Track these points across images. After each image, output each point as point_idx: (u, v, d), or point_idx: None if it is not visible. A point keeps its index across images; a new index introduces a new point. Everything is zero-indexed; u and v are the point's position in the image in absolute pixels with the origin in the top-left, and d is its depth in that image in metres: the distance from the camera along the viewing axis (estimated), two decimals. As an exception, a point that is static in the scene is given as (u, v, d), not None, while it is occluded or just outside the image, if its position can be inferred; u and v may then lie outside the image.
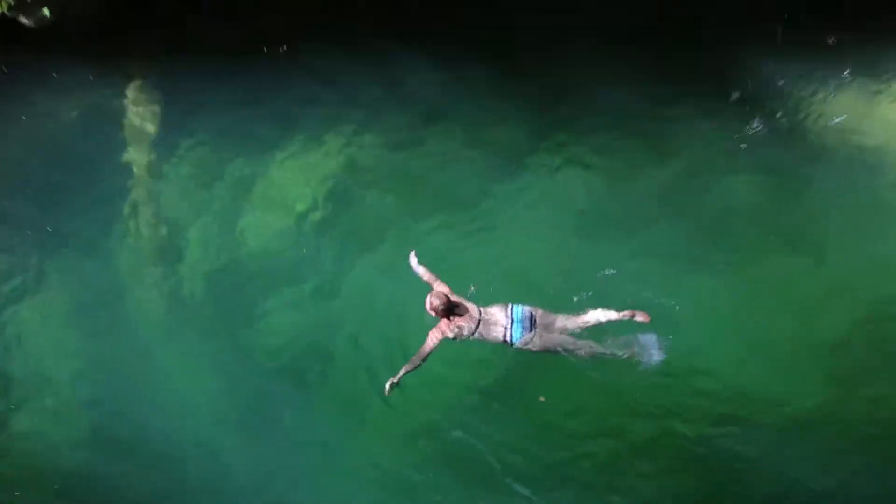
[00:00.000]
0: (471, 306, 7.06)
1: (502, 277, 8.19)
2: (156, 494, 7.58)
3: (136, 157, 9.80)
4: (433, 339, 6.91)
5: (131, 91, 10.28)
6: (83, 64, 10.16)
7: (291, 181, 9.47)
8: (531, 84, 10.16)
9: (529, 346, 7.04)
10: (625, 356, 7.21)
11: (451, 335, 6.94)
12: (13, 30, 9.85)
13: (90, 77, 10.22)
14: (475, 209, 8.99)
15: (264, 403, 7.96)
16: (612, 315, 7.07)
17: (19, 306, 8.60)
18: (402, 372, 6.87)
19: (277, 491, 7.51)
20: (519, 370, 7.71)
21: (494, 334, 7.03)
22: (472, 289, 7.61)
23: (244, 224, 9.18)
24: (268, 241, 8.97)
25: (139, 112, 10.15)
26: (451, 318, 6.97)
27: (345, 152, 9.73)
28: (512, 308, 7.08)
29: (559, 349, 7.10)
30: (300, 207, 9.23)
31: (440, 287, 7.08)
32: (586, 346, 7.17)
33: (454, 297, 7.01)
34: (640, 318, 7.12)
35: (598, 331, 7.18)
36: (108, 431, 7.93)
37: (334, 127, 9.95)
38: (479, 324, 7.00)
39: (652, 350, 7.34)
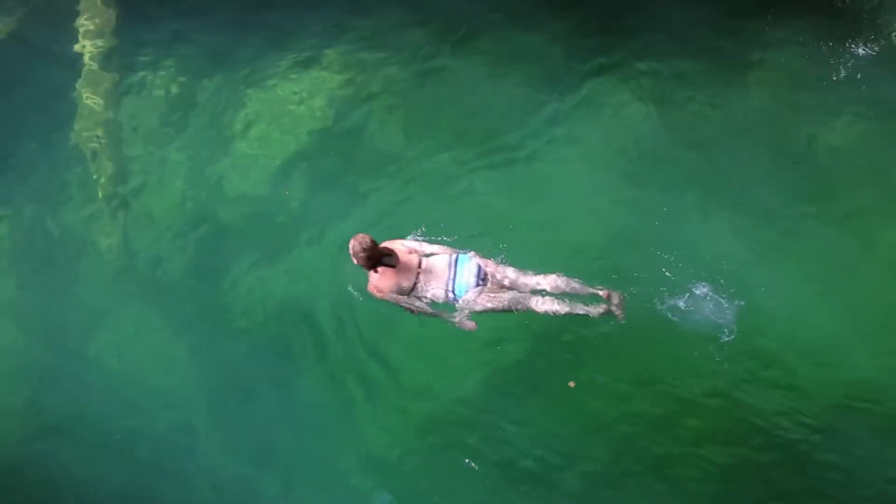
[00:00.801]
0: (412, 258, 6.50)
1: (529, 231, 7.34)
2: (113, 483, 6.82)
3: (87, 76, 9.02)
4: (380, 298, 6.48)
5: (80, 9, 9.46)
6: None
7: (280, 108, 8.67)
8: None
9: (475, 307, 6.47)
10: (596, 314, 6.55)
11: (388, 295, 6.41)
12: None
13: None
14: (501, 143, 8.08)
15: (240, 379, 7.18)
16: (576, 286, 6.56)
17: None
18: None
19: (253, 478, 6.83)
20: (544, 348, 6.90)
21: (434, 291, 6.47)
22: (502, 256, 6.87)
23: (219, 163, 8.35)
24: (248, 186, 8.12)
25: (90, 18, 9.34)
26: (380, 269, 6.42)
27: (347, 73, 8.90)
28: (457, 258, 6.54)
29: (512, 308, 6.55)
30: (289, 142, 8.42)
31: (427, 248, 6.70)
32: (546, 304, 6.56)
33: (391, 245, 6.52)
34: (612, 305, 6.52)
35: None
36: (54, 413, 7.16)
37: (335, 43, 9.14)
38: (417, 277, 6.44)
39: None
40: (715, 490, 6.38)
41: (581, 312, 6.52)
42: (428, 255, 6.56)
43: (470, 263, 6.47)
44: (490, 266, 6.51)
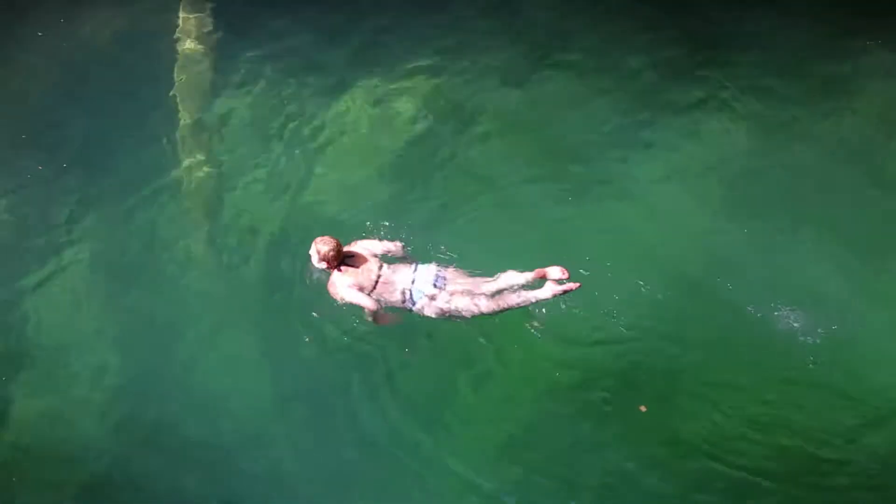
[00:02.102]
0: (373, 260, 6.73)
1: (616, 252, 7.38)
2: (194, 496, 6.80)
3: (182, 87, 9.20)
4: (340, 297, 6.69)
5: (179, 9, 9.77)
6: None
7: (367, 121, 8.80)
8: (675, 13, 9.47)
9: (429, 311, 6.64)
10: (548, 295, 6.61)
11: (349, 293, 6.59)
12: None
13: None
14: (590, 164, 8.20)
15: (323, 394, 7.17)
16: (529, 276, 6.64)
17: (44, 269, 7.90)
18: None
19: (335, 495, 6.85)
20: (614, 370, 6.94)
21: (393, 297, 6.66)
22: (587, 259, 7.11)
23: (307, 173, 8.43)
24: (335, 196, 8.22)
25: (188, 34, 9.58)
26: (342, 269, 6.67)
27: (435, 88, 9.05)
28: (417, 266, 6.72)
29: (465, 314, 6.67)
30: (375, 154, 8.54)
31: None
32: (498, 302, 6.67)
33: (353, 248, 6.79)
34: (556, 274, 6.56)
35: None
36: (138, 421, 7.12)
37: (424, 57, 9.32)
38: (377, 281, 6.67)
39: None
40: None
41: (537, 299, 6.61)
42: (381, 254, 6.83)
43: (428, 270, 6.65)
44: (448, 272, 6.68)
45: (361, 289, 6.65)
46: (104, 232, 8.15)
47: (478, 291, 6.70)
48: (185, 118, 8.91)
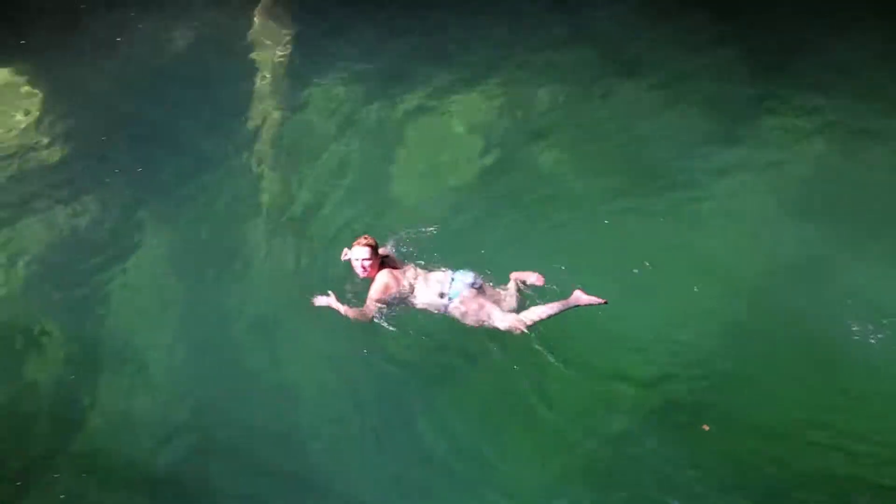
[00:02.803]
0: (405, 263, 7.12)
1: (690, 268, 7.37)
2: (256, 490, 6.88)
3: (262, 90, 9.51)
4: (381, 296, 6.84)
5: (258, 12, 10.12)
6: None
7: (444, 129, 8.98)
8: (755, 34, 9.54)
9: (462, 310, 6.75)
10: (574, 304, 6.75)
11: (388, 295, 6.83)
12: None
13: None
14: (666, 181, 8.15)
15: (391, 398, 7.17)
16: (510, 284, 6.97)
17: (126, 264, 8.12)
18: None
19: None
20: (683, 392, 6.84)
21: (430, 294, 6.86)
22: (646, 264, 7.23)
23: (384, 179, 8.60)
24: (413, 203, 8.33)
25: (267, 37, 9.88)
26: (385, 270, 6.91)
27: (513, 99, 9.19)
28: (454, 272, 6.91)
29: (497, 324, 6.76)
30: (452, 162, 8.67)
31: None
32: (529, 318, 6.78)
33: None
34: (532, 279, 6.93)
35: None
36: (207, 423, 7.27)
37: (502, 69, 9.46)
38: (415, 279, 6.95)
39: None
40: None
41: (561, 309, 6.75)
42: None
43: (466, 274, 6.82)
44: (485, 284, 6.88)
45: (402, 288, 6.87)
46: (179, 228, 8.40)
47: (510, 307, 6.95)
48: (256, 121, 9.15)
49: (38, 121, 9.29)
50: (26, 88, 9.62)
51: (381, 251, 7.03)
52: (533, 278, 6.95)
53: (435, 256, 7.40)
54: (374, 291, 6.90)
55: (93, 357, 7.57)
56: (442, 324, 7.13)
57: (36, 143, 9.10)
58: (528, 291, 7.09)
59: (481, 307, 6.83)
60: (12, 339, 7.65)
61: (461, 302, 6.82)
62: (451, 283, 6.89)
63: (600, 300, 6.64)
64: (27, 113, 9.35)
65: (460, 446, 6.78)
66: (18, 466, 7.02)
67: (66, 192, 8.70)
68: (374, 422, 7.02)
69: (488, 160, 8.61)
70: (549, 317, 6.79)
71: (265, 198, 8.61)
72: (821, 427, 6.47)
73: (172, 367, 7.50)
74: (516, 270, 7.14)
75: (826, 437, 6.44)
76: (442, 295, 6.86)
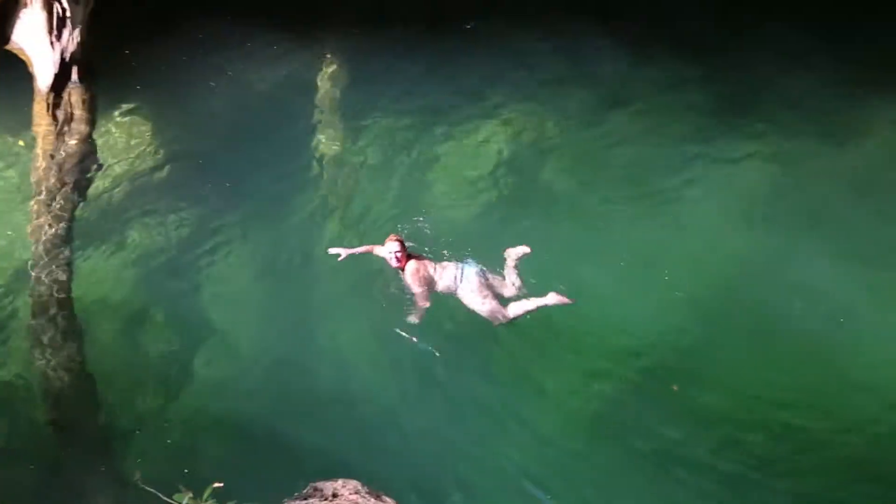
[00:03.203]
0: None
1: (673, 262, 8.43)
2: (324, 448, 7.63)
3: (324, 125, 10.29)
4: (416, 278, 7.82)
5: (322, 61, 10.80)
6: (277, 34, 10.86)
7: (472, 153, 9.86)
8: (717, 70, 10.48)
9: (473, 292, 7.74)
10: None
11: (422, 278, 7.80)
12: None
13: (273, 48, 10.90)
14: (646, 189, 9.22)
15: (434, 366, 8.07)
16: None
17: (216, 259, 9.10)
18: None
19: (440, 451, 7.68)
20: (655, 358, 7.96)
21: (447, 277, 7.87)
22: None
23: (422, 190, 9.56)
24: (448, 211, 9.30)
25: (329, 81, 10.64)
26: (414, 260, 7.90)
27: (525, 126, 10.06)
28: (463, 264, 7.93)
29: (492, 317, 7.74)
30: (480, 179, 9.58)
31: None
32: (514, 311, 7.76)
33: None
34: (522, 250, 7.97)
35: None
36: (279, 387, 8.21)
37: (517, 103, 10.29)
38: (435, 268, 7.92)
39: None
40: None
41: (538, 306, 7.73)
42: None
43: (471, 265, 7.87)
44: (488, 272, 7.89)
45: (430, 275, 7.85)
46: (258, 230, 9.28)
47: (505, 294, 7.93)
48: (320, 147, 9.99)
49: (149, 147, 10.03)
50: (140, 122, 10.21)
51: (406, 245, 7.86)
52: (522, 250, 8.02)
53: (445, 255, 8.25)
54: (411, 278, 7.82)
55: (190, 332, 8.49)
56: (465, 313, 7.98)
57: (148, 164, 9.87)
58: (519, 262, 8.02)
59: (485, 297, 7.76)
60: (129, 317, 8.55)
61: (470, 287, 7.80)
62: (462, 272, 7.86)
63: (568, 300, 7.69)
64: (141, 141, 10.11)
65: (483, 404, 7.75)
66: (133, 418, 7.86)
67: (171, 203, 9.51)
68: (413, 386, 7.97)
69: (504, 175, 9.53)
70: (528, 312, 7.76)
71: (327, 206, 9.47)
72: (766, 386, 7.64)
73: (252, 341, 8.40)
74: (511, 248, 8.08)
75: (769, 393, 7.60)
76: (456, 278, 7.85)
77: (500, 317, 7.79)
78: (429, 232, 8.78)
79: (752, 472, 7.21)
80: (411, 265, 7.91)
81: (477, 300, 7.81)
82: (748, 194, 9.14)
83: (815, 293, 8.17)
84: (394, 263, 7.88)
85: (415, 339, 8.01)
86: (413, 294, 7.96)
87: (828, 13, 10.39)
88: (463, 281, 7.88)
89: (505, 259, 8.16)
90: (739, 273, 8.41)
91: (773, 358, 7.87)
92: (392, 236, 7.96)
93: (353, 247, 8.37)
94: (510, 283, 8.04)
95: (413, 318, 7.95)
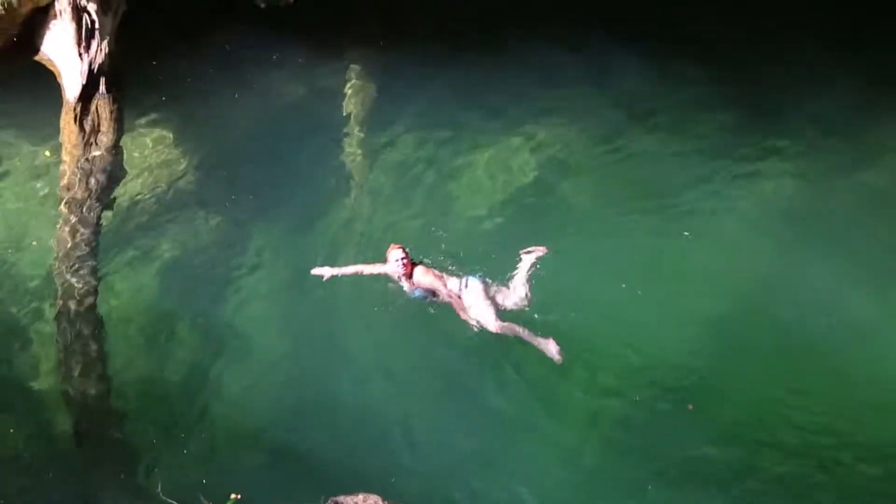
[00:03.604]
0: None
1: (691, 277, 8.63)
2: (341, 461, 7.79)
3: (348, 138, 10.42)
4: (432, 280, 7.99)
5: (348, 75, 10.91)
6: (304, 47, 10.98)
7: (494, 168, 9.98)
8: (739, 86, 10.49)
9: (476, 297, 7.85)
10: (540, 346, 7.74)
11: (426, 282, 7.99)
12: (242, 8, 10.81)
13: (299, 61, 11.04)
14: (671, 206, 9.33)
15: (456, 379, 8.28)
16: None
17: (242, 266, 9.30)
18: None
19: (454, 466, 7.81)
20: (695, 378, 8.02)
21: (451, 284, 7.98)
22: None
23: (444, 205, 9.69)
24: (468, 224, 9.43)
25: (354, 95, 10.77)
26: (417, 268, 8.00)
27: (546, 140, 10.21)
28: (466, 276, 8.02)
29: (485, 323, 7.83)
30: (501, 193, 9.73)
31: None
32: (508, 328, 7.80)
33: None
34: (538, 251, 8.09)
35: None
36: (306, 398, 8.38)
37: (539, 116, 10.44)
38: (440, 276, 8.03)
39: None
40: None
41: (531, 342, 7.74)
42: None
43: (475, 279, 7.94)
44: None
45: (433, 280, 7.93)
46: (283, 239, 9.46)
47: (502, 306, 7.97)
48: (346, 159, 10.15)
49: (175, 158, 10.21)
50: (166, 133, 10.41)
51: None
52: (540, 252, 8.07)
53: (450, 269, 8.31)
54: (427, 281, 7.96)
55: (210, 343, 8.65)
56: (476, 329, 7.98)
57: (173, 175, 10.04)
58: (538, 265, 8.07)
59: (487, 305, 7.86)
60: (152, 326, 8.75)
61: (474, 293, 7.89)
62: (467, 281, 7.94)
63: (559, 358, 7.65)
64: (166, 152, 10.28)
65: (497, 420, 7.91)
66: (154, 427, 8.09)
67: (195, 213, 9.66)
68: (428, 402, 8.11)
69: (525, 189, 9.68)
70: (520, 339, 7.79)
71: (349, 218, 9.56)
72: (783, 406, 7.71)
73: (272, 354, 8.58)
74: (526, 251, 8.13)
75: (787, 413, 7.66)
76: (460, 286, 7.96)
77: (498, 327, 7.84)
78: (444, 246, 8.85)
79: (767, 492, 7.31)
80: (419, 269, 8.04)
81: (481, 306, 7.89)
82: (769, 211, 9.25)
83: (836, 311, 8.21)
84: (401, 271, 7.97)
85: (430, 353, 8.28)
86: (425, 298, 8.11)
87: (851, 35, 10.66)
88: (468, 287, 7.96)
89: (520, 261, 8.20)
90: (759, 290, 8.48)
91: (791, 377, 7.93)
92: (394, 245, 8.08)
93: (365, 263, 8.51)
94: (518, 294, 8.07)
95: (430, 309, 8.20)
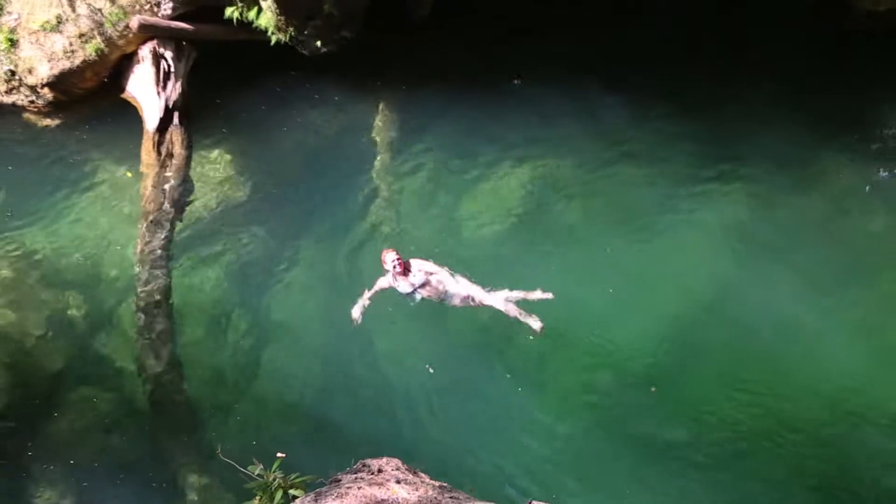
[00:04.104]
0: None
1: (661, 284, 9.58)
2: (370, 433, 8.67)
3: (377, 164, 11.32)
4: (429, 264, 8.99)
5: (376, 111, 11.90)
6: (340, 88, 12.08)
7: (501, 191, 10.86)
8: (702, 121, 11.32)
9: (461, 288, 8.83)
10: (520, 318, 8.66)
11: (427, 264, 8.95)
12: (290, 57, 11.70)
13: (336, 99, 12.15)
14: (643, 221, 10.29)
15: (456, 368, 9.17)
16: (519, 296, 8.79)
17: (287, 268, 10.30)
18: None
19: (463, 434, 8.71)
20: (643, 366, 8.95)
21: (439, 280, 8.86)
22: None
23: (455, 222, 10.58)
24: (481, 238, 10.35)
25: (382, 128, 11.70)
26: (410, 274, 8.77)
27: (544, 170, 11.13)
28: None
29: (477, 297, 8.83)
30: (506, 213, 10.64)
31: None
32: (497, 300, 8.74)
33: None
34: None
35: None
36: (338, 377, 9.34)
37: (538, 150, 11.36)
38: (428, 278, 8.83)
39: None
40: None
41: (512, 315, 8.66)
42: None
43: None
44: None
45: (428, 264, 8.88)
46: (322, 256, 10.34)
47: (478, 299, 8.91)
48: (374, 182, 11.02)
49: (234, 180, 11.16)
50: (227, 159, 11.38)
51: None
52: (546, 296, 8.87)
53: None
54: (428, 266, 8.92)
55: (261, 333, 9.55)
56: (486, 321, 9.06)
57: (232, 194, 10.99)
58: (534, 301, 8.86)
59: (474, 285, 8.93)
60: (214, 318, 9.68)
61: (462, 280, 8.91)
62: (457, 277, 8.94)
63: (538, 329, 8.64)
64: (227, 174, 11.24)
65: (499, 402, 8.87)
66: (212, 399, 9.04)
67: (251, 226, 10.62)
68: (445, 388, 8.98)
69: (525, 208, 10.54)
70: (506, 313, 8.74)
71: (376, 231, 10.44)
72: (733, 389, 8.70)
73: (314, 342, 9.47)
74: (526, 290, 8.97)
75: (737, 395, 8.65)
76: (452, 275, 8.96)
77: (487, 298, 8.77)
78: (450, 247, 9.82)
79: (716, 457, 8.35)
80: (415, 261, 8.97)
81: (469, 286, 8.88)
82: (726, 226, 10.02)
83: (778, 312, 9.16)
84: (398, 269, 8.75)
85: (449, 347, 9.13)
86: (422, 298, 8.93)
87: (801, 79, 11.54)
88: (456, 278, 8.96)
89: (523, 290, 8.98)
90: (715, 293, 9.34)
91: (740, 366, 8.88)
92: (386, 250, 8.94)
93: (372, 287, 9.30)
94: (498, 298, 8.92)
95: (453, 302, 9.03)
